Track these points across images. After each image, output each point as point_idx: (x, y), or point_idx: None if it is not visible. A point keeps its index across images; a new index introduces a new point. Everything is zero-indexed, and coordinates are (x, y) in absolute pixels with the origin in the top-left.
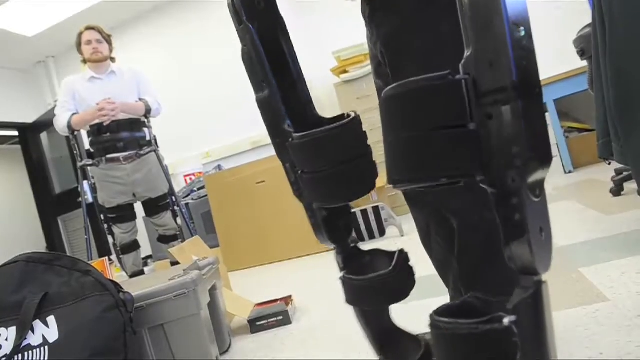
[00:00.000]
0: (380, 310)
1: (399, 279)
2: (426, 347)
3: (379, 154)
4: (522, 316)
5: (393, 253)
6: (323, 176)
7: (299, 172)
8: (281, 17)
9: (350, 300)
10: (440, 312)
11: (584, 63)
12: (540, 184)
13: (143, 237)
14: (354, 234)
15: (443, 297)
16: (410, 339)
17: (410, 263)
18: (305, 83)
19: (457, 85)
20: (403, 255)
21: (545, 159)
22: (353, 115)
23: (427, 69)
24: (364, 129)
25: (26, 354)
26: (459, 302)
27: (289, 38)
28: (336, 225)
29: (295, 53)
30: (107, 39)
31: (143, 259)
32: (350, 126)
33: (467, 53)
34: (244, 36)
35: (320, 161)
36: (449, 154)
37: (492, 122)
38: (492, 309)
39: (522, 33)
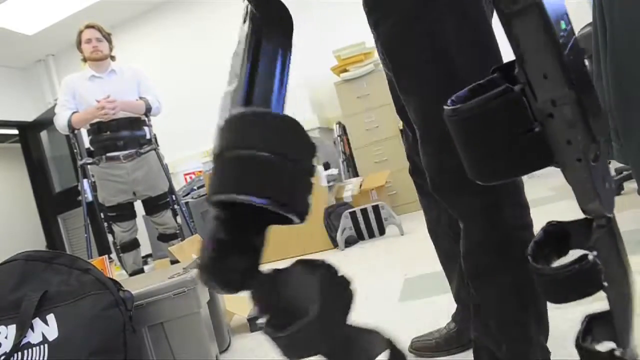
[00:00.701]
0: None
1: (326, 322)
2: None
3: (376, 154)
4: (602, 249)
5: (317, 266)
6: (249, 159)
7: (219, 156)
8: (290, 32)
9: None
10: (532, 251)
11: (585, 62)
12: (598, 149)
13: (143, 236)
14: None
15: (441, 296)
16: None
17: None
18: (284, 103)
19: (518, 96)
20: (333, 274)
21: (599, 136)
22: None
23: (430, 70)
24: (364, 128)
25: (26, 352)
26: (542, 234)
27: (289, 54)
28: (230, 262)
29: (288, 72)
30: (107, 38)
31: (143, 257)
32: (289, 121)
33: (518, 64)
34: (242, 34)
35: (254, 139)
36: (524, 156)
37: (554, 119)
38: (571, 231)
39: (563, 25)
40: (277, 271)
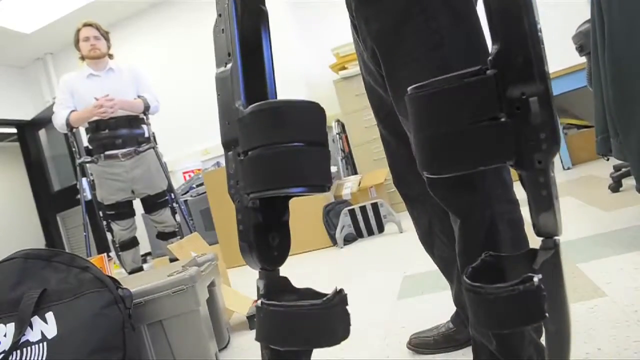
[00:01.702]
0: (299, 355)
1: (332, 316)
2: None
3: (375, 151)
4: (547, 272)
5: (326, 294)
6: (275, 153)
7: (242, 157)
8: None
9: (265, 335)
10: (472, 276)
11: (583, 59)
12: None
13: (142, 234)
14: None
15: (439, 293)
16: None
17: (349, 306)
18: (274, 74)
19: (490, 80)
20: (341, 294)
21: (559, 140)
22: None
23: (426, 66)
24: (363, 126)
25: (25, 350)
26: (480, 263)
27: (268, 20)
28: (268, 242)
29: (270, 38)
30: (105, 36)
31: (142, 256)
32: (314, 108)
33: (494, 48)
34: (222, 5)
35: (276, 133)
36: (486, 145)
37: (520, 112)
38: (509, 264)
39: (539, 25)
40: (287, 280)
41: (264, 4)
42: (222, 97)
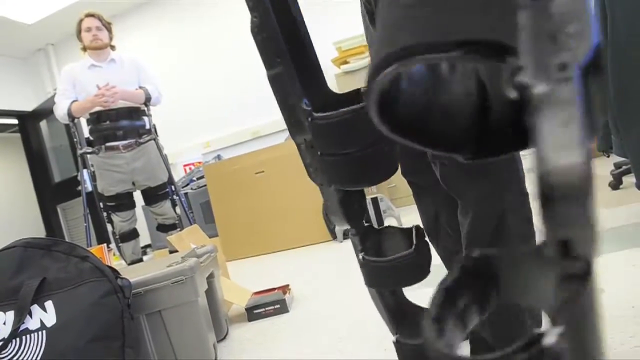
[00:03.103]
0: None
1: (420, 258)
2: None
3: None
4: (572, 322)
5: (408, 230)
6: (350, 159)
7: (319, 153)
8: None
9: (372, 282)
10: (436, 310)
11: None
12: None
13: (142, 226)
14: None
15: None
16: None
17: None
18: (315, 54)
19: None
20: (420, 233)
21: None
22: None
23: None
24: None
25: (24, 338)
26: (457, 273)
27: (298, 6)
28: (352, 206)
29: (304, 22)
30: (107, 27)
31: (142, 247)
32: None
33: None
34: (256, 5)
35: (348, 143)
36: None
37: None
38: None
39: None
40: (371, 227)
41: None
42: (281, 96)
